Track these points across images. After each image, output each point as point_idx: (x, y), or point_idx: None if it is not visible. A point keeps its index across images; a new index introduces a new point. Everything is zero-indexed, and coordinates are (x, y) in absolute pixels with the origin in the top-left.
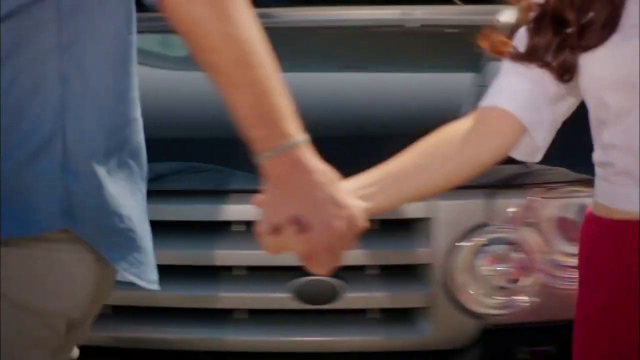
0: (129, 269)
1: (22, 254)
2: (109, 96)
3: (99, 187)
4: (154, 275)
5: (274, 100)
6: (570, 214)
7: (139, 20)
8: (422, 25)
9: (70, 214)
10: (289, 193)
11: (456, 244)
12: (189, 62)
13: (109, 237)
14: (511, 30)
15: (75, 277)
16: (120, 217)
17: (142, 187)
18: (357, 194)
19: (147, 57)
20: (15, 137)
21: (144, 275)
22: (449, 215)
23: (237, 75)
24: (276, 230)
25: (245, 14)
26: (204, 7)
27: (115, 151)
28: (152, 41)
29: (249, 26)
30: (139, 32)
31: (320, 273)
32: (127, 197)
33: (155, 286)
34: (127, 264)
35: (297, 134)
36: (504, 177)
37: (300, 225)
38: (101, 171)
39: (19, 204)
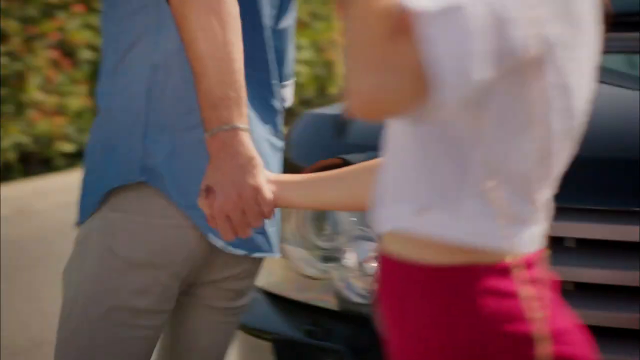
0: (217, 237)
1: (126, 219)
2: (185, 85)
3: (173, 154)
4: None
5: (225, 91)
6: None
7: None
8: None
9: (148, 170)
10: (214, 166)
11: None
12: None
13: (195, 208)
14: None
15: (172, 240)
16: (198, 187)
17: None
18: (274, 184)
19: (613, 76)
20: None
21: (235, 244)
22: None
23: (205, 65)
24: (201, 192)
25: (228, 16)
26: (192, 5)
27: (195, 127)
28: (617, 61)
29: (226, 26)
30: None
31: (223, 238)
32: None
33: (259, 254)
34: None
35: (235, 121)
36: None
37: (209, 192)
38: (178, 141)
39: (108, 163)
